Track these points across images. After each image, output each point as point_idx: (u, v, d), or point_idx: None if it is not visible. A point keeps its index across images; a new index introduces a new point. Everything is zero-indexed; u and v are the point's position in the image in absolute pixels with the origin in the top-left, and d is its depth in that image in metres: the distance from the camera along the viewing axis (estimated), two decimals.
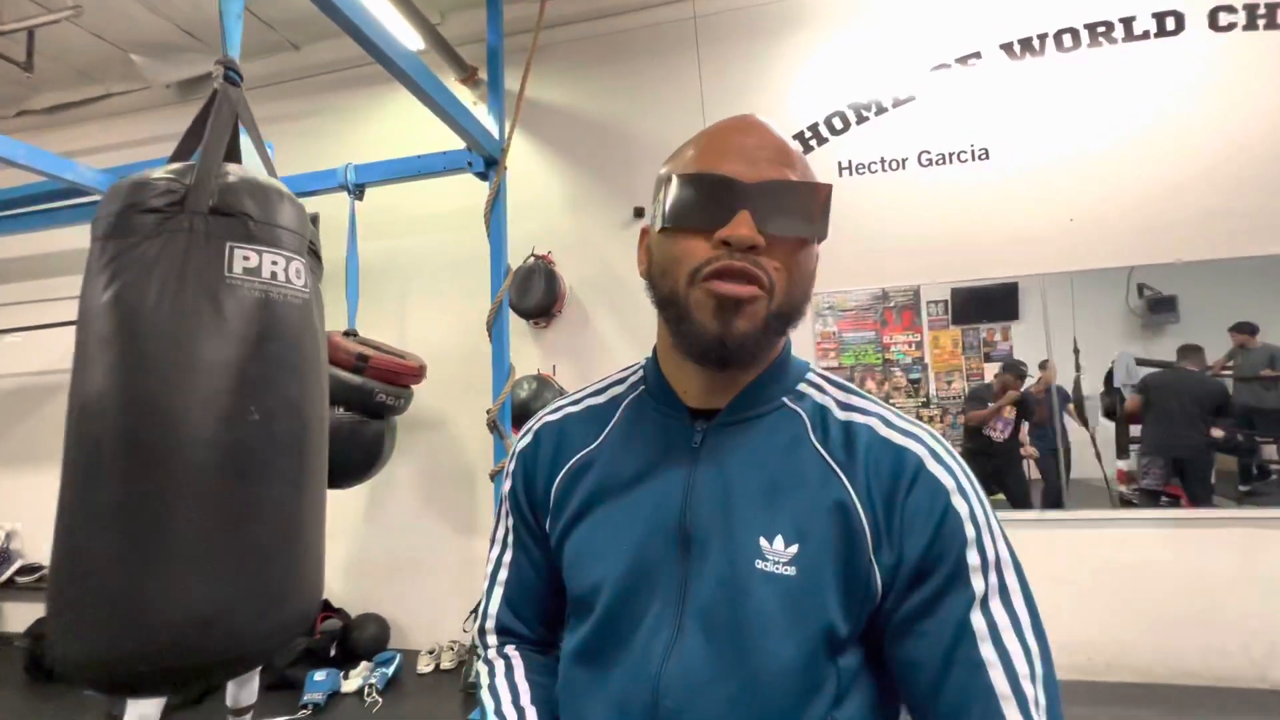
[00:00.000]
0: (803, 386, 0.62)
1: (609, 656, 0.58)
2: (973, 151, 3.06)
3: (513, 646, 0.69)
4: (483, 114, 3.04)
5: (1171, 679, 2.66)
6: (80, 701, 2.81)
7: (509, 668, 0.67)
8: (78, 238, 3.36)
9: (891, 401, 3.17)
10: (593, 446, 0.65)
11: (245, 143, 1.18)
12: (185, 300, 0.87)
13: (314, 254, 1.07)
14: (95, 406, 0.85)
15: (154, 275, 0.86)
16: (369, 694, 2.86)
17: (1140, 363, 3.06)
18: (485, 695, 0.66)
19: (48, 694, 3.02)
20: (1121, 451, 3.10)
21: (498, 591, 0.70)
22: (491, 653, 0.69)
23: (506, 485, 0.71)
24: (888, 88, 3.17)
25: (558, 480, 0.65)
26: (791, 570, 0.53)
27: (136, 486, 0.84)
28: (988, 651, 0.51)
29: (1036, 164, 2.99)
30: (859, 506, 0.54)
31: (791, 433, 0.59)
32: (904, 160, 3.13)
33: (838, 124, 3.21)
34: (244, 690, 2.30)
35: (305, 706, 2.75)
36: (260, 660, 0.96)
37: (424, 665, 3.16)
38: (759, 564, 0.54)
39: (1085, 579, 2.80)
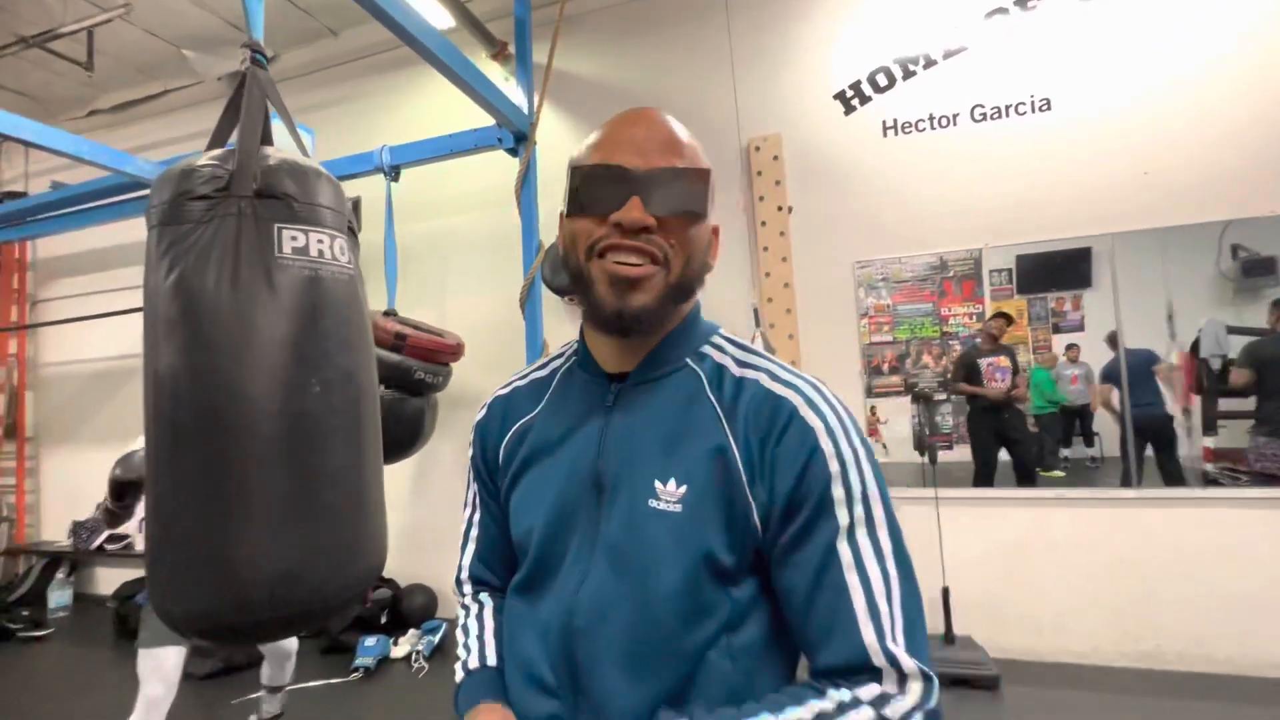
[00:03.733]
0: (706, 348, 0.69)
1: (539, 588, 0.67)
2: (1032, 102, 2.82)
3: (485, 593, 0.80)
4: (513, 89, 3.02)
5: (1254, 671, 2.45)
6: None
7: (480, 609, 0.78)
8: (140, 230, 3.59)
9: (950, 377, 3.00)
10: (532, 414, 0.75)
11: (277, 124, 1.19)
12: (242, 281, 0.91)
13: (351, 232, 1.11)
14: (170, 385, 0.91)
15: (210, 259, 0.91)
16: (416, 660, 2.98)
17: (1232, 331, 2.76)
18: (459, 632, 0.77)
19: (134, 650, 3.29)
20: (1209, 428, 2.83)
21: (470, 547, 0.81)
22: (467, 599, 0.80)
23: (469, 454, 0.82)
24: (937, 39, 2.95)
25: (503, 445, 0.75)
26: (679, 508, 0.61)
27: (215, 456, 0.90)
28: (851, 577, 0.57)
29: (1104, 112, 2.73)
30: (736, 450, 0.61)
31: (690, 389, 0.66)
32: (955, 116, 2.92)
33: (882, 80, 3.02)
34: (282, 669, 2.32)
35: (357, 670, 2.88)
36: (338, 613, 1.03)
37: None
38: (652, 503, 0.61)
39: (1157, 562, 2.59)
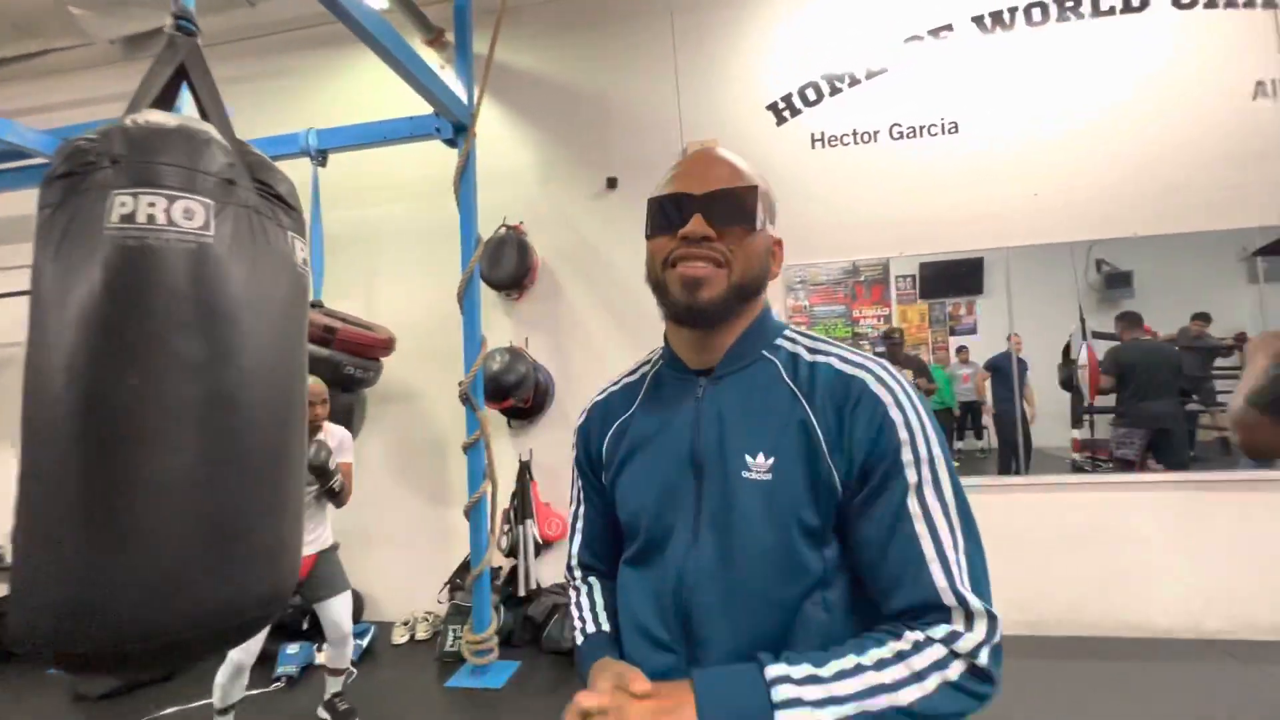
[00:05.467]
0: (779, 341, 0.78)
1: (650, 560, 0.76)
2: (943, 125, 3.09)
3: (593, 576, 0.90)
4: (450, 78, 2.95)
5: (1117, 632, 2.83)
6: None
7: (590, 589, 0.88)
8: (21, 203, 3.20)
9: None
10: (629, 412, 0.84)
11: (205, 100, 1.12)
12: (67, 261, 0.82)
13: (223, 193, 0.94)
14: (24, 382, 0.84)
15: (51, 238, 0.83)
16: None
17: (1095, 335, 3.16)
18: (574, 609, 0.87)
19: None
20: (1077, 422, 3.22)
21: (577, 537, 0.91)
22: (577, 581, 0.90)
23: (573, 454, 0.91)
24: (861, 58, 3.16)
25: (605, 442, 0.85)
26: (769, 476, 0.69)
27: (28, 460, 0.81)
28: (920, 528, 0.64)
29: (1004, 138, 3.04)
30: (816, 423, 0.70)
31: (769, 376, 0.75)
32: (875, 133, 3.15)
33: (811, 95, 3.20)
34: (346, 650, 2.43)
35: (279, 679, 2.74)
36: (172, 656, 0.87)
37: (399, 636, 3.18)
38: (745, 474, 0.70)
39: (1040, 541, 2.93)
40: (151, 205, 0.85)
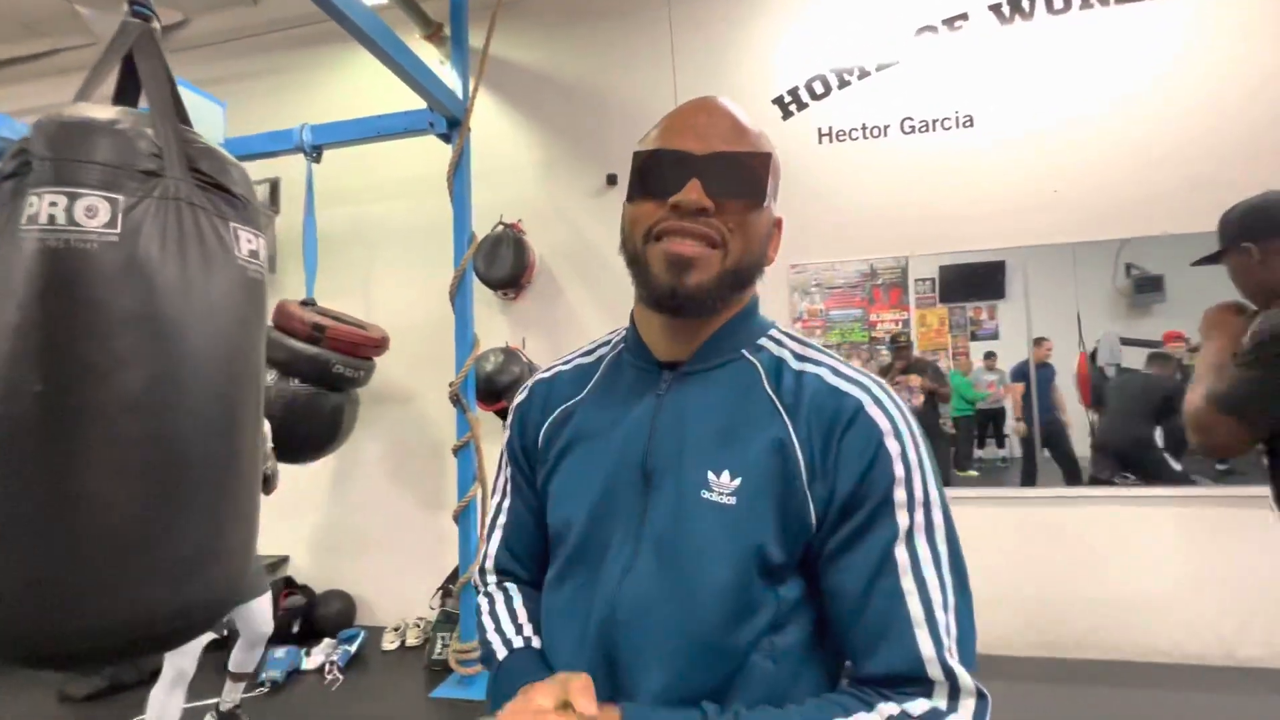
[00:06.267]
0: (763, 341, 0.67)
1: (579, 579, 0.64)
2: (957, 118, 2.95)
3: (510, 582, 0.75)
4: (447, 73, 2.90)
5: (1141, 656, 2.65)
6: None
7: (507, 598, 0.73)
8: None
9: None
10: (576, 398, 0.72)
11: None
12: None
13: (188, 182, 0.91)
14: None
15: None
16: (329, 671, 2.80)
17: (1125, 342, 2.99)
18: (485, 619, 0.72)
19: None
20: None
21: (497, 535, 0.76)
22: (490, 588, 0.75)
23: (505, 437, 0.78)
24: (871, 51, 3.04)
25: (544, 428, 0.72)
26: (732, 500, 0.58)
27: None
28: (907, 582, 0.54)
29: (1022, 132, 2.88)
30: (796, 443, 0.59)
31: (747, 380, 0.64)
32: (886, 127, 3.02)
33: (818, 88, 3.09)
34: (250, 655, 2.28)
35: (263, 684, 2.69)
36: (57, 662, 0.88)
37: (389, 642, 3.11)
38: (704, 494, 0.59)
39: (1057, 556, 2.76)
40: (53, 205, 0.82)
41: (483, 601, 0.74)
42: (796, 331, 0.70)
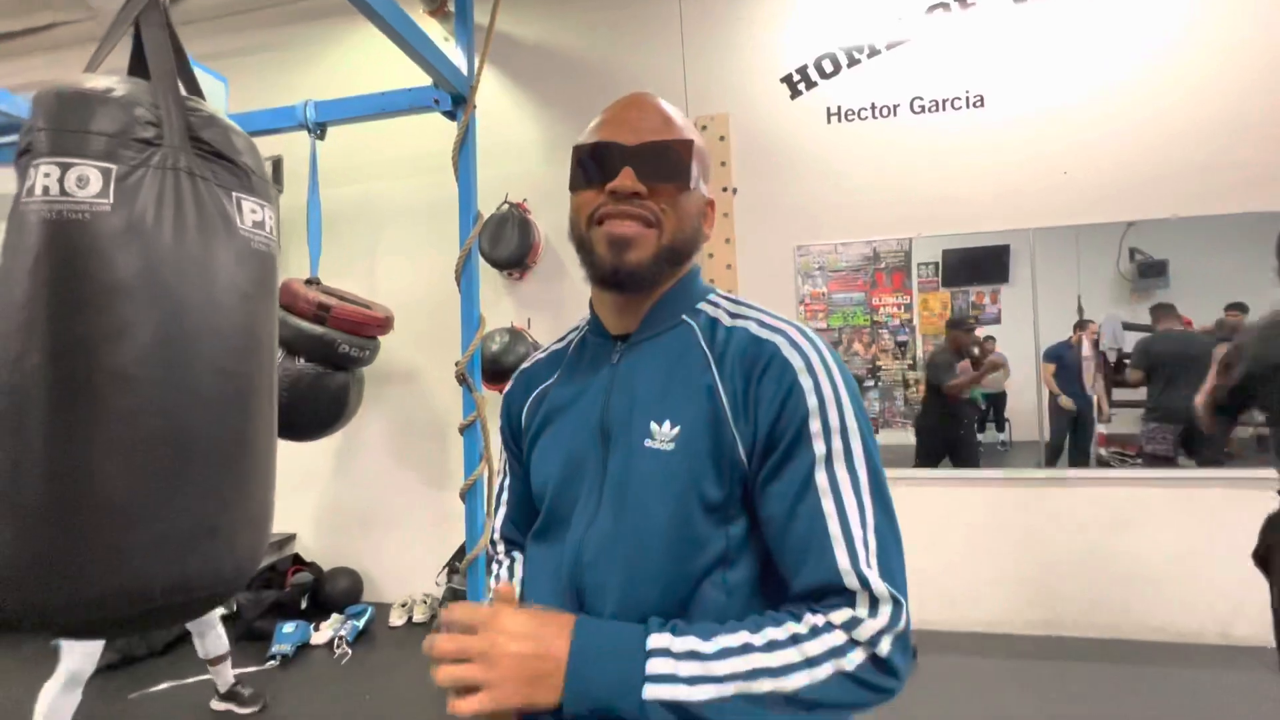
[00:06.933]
0: (701, 305, 0.74)
1: (554, 533, 0.72)
2: (968, 98, 2.91)
3: (516, 550, 0.85)
4: (452, 50, 2.86)
5: (1137, 635, 2.69)
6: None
7: (512, 564, 0.84)
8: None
9: (878, 364, 3.12)
10: (550, 380, 0.81)
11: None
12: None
13: (189, 152, 0.91)
14: None
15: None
16: (338, 646, 2.85)
17: (1127, 327, 3.00)
18: (491, 581, 0.84)
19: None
20: (1102, 415, 3.06)
21: (502, 510, 0.87)
22: (500, 555, 0.86)
23: (499, 424, 0.88)
24: (881, 29, 2.99)
25: (525, 410, 0.82)
26: (671, 446, 0.65)
27: None
28: (826, 504, 0.59)
29: (1033, 113, 2.85)
30: (722, 390, 0.65)
31: (686, 340, 0.71)
32: (895, 107, 2.99)
33: (828, 66, 3.05)
34: (207, 641, 2.30)
35: (273, 658, 2.73)
36: (55, 631, 0.91)
37: (396, 618, 3.16)
38: (647, 443, 0.66)
39: (1059, 537, 2.79)
40: (48, 176, 0.82)
41: (493, 566, 0.86)
42: (735, 295, 0.77)
